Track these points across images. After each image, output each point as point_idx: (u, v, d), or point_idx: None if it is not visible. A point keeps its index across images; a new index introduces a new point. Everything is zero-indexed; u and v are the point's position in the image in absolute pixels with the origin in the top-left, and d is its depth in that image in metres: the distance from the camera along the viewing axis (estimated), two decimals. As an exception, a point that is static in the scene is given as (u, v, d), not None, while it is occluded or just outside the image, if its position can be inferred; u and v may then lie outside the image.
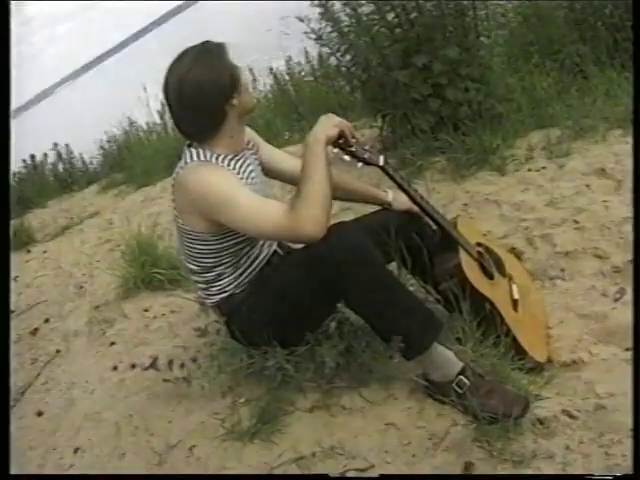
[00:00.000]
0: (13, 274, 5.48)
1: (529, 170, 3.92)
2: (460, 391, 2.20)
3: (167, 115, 9.50)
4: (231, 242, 2.40)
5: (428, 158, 4.46)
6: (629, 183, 3.29)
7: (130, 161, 8.94)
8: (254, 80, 8.51)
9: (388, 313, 2.21)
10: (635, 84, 2.05)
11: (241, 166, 2.45)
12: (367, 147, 2.33)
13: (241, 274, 2.48)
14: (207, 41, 2.36)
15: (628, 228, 2.97)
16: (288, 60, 8.47)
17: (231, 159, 2.41)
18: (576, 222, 3.20)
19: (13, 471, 2.00)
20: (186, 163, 2.35)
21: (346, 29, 4.75)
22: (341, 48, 4.87)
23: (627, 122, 3.88)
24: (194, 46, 2.35)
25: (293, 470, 2.17)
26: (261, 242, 2.51)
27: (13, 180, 10.62)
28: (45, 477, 1.97)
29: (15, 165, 10.80)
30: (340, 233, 2.19)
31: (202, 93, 2.27)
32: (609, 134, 3.92)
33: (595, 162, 3.67)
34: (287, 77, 8.39)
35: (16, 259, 6.11)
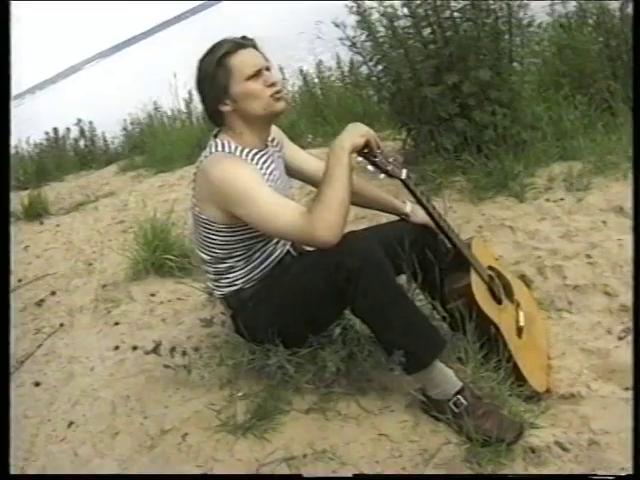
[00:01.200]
0: (24, 244, 5.53)
1: (547, 200, 3.92)
2: (456, 410, 2.22)
3: (193, 104, 9.55)
4: (245, 236, 2.42)
5: (448, 177, 4.47)
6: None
7: (151, 145, 8.97)
8: (283, 79, 8.53)
9: (393, 325, 2.22)
10: (635, 83, 2.05)
11: (265, 162, 2.47)
12: (391, 159, 2.34)
13: (252, 269, 2.49)
14: (234, 38, 2.40)
15: None
16: (319, 64, 8.47)
17: (255, 153, 2.44)
18: (588, 257, 3.21)
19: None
20: (211, 153, 2.38)
21: (381, 39, 4.76)
22: (374, 58, 4.88)
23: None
24: (224, 39, 2.39)
25: (282, 469, 2.19)
26: (275, 240, 2.52)
27: (34, 151, 10.69)
28: (45, 477, 1.99)
29: (37, 136, 10.87)
30: (354, 241, 2.21)
31: (200, 90, 2.42)
32: (630, 173, 3.92)
33: (614, 199, 3.67)
34: (316, 80, 8.40)
35: (28, 229, 6.15)
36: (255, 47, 2.41)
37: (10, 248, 2.11)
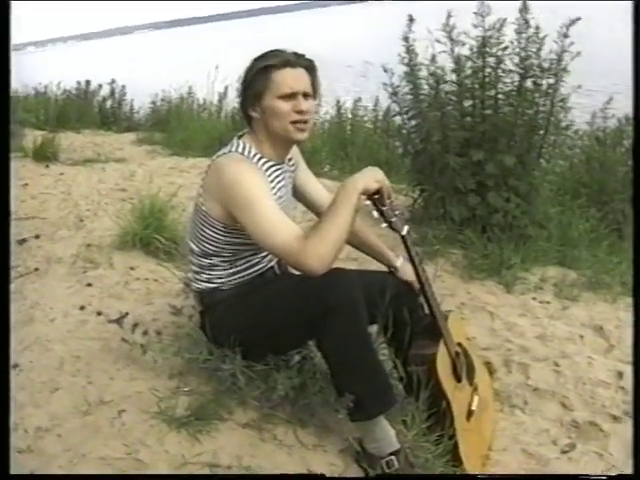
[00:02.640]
0: (24, 181, 5.54)
1: (534, 299, 3.95)
2: (386, 470, 2.23)
3: (225, 101, 9.62)
4: (237, 240, 2.44)
5: (447, 247, 4.50)
6: (618, 351, 3.34)
7: (174, 126, 9.03)
8: (318, 104, 8.57)
9: (350, 369, 2.24)
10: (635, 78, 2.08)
11: (277, 177, 2.50)
12: (397, 212, 2.37)
13: (233, 274, 2.52)
14: (289, 53, 2.42)
15: (601, 392, 3.01)
16: (357, 100, 8.55)
17: (271, 166, 2.47)
18: (556, 365, 3.23)
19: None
20: (230, 151, 2.41)
21: (422, 97, 4.83)
22: (410, 111, 4.94)
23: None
24: (280, 50, 2.43)
25: (204, 472, 2.19)
26: (264, 253, 2.55)
27: (60, 96, 10.74)
28: (45, 477, 2.01)
29: (69, 84, 10.92)
30: (338, 278, 2.23)
31: (241, 87, 2.46)
32: (621, 299, 3.96)
33: (597, 318, 3.70)
34: (349, 115, 8.46)
35: (33, 168, 6.18)
36: (308, 69, 2.44)
37: (10, 245, 2.13)
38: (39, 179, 5.88)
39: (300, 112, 2.38)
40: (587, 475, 1.89)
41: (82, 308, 3.30)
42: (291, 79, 2.37)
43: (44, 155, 6.78)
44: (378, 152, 7.20)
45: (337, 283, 2.22)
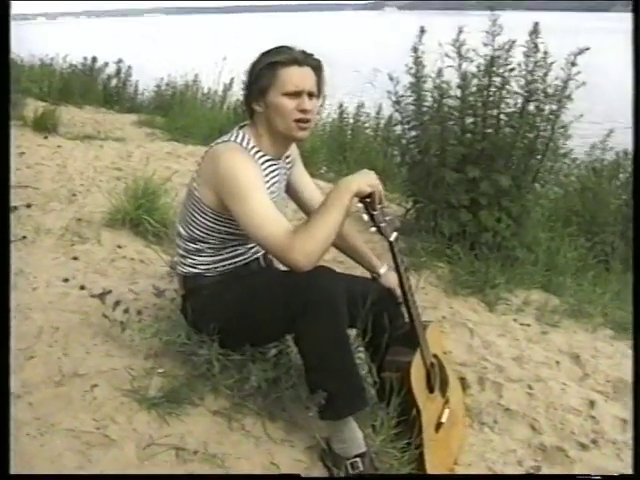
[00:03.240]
0: (21, 150, 5.54)
1: (514, 320, 3.98)
2: (350, 471, 2.24)
3: (230, 92, 9.64)
4: (225, 228, 2.45)
5: (434, 260, 4.53)
6: (592, 380, 3.37)
7: (176, 112, 9.04)
8: (321, 106, 8.58)
9: (325, 367, 2.25)
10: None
11: (272, 172, 2.51)
12: (387, 218, 2.38)
13: (218, 261, 2.53)
14: (298, 51, 2.42)
15: (571, 418, 3.03)
16: (360, 106, 8.57)
17: (267, 160, 2.48)
18: (530, 387, 3.24)
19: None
20: (229, 140, 2.43)
21: (424, 109, 4.85)
22: (411, 122, 4.97)
23: (621, 328, 3.96)
24: (288, 47, 2.44)
25: (169, 455, 2.20)
26: (251, 245, 2.56)
27: (66, 70, 10.73)
28: (45, 477, 2.01)
29: (75, 59, 10.91)
30: (322, 276, 2.25)
31: (246, 80, 2.47)
32: (600, 329, 3.99)
33: (575, 346, 3.72)
34: (351, 120, 8.48)
35: (31, 138, 6.17)
36: (315, 69, 2.44)
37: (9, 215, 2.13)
38: (36, 149, 5.88)
39: (303, 111, 2.39)
40: (587, 475, 1.90)
41: (66, 280, 3.30)
42: (297, 77, 2.38)
43: (44, 126, 6.78)
44: (376, 159, 7.23)
45: (320, 280, 2.23)
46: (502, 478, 1.97)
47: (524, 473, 2.69)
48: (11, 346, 1.99)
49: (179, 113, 8.98)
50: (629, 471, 2.21)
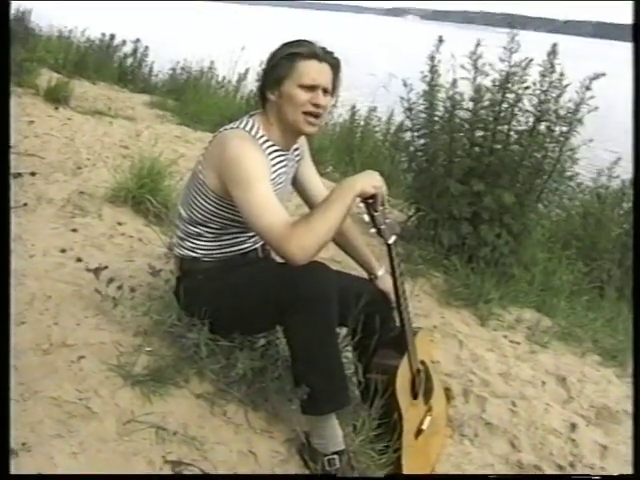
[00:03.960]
0: (31, 118, 5.54)
1: (505, 337, 3.98)
2: (327, 468, 2.25)
3: (244, 82, 9.64)
4: (227, 214, 2.46)
5: (430, 268, 4.54)
6: (576, 404, 3.37)
7: (188, 97, 9.04)
8: (334, 105, 8.59)
9: (311, 361, 2.26)
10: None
11: (279, 163, 2.51)
12: (388, 221, 2.38)
13: (216, 247, 2.54)
14: (318, 47, 2.43)
15: (552, 439, 3.03)
16: (372, 109, 8.56)
17: (275, 151, 2.49)
18: (514, 404, 3.24)
19: None
20: (238, 127, 2.43)
21: (436, 118, 4.86)
22: (421, 130, 4.98)
23: (609, 355, 3.97)
24: (309, 42, 2.44)
25: (149, 433, 2.21)
26: (251, 234, 2.56)
27: (83, 44, 10.74)
28: (45, 477, 2.02)
29: (93, 34, 10.92)
30: (317, 272, 2.26)
31: (264, 68, 2.49)
32: (589, 355, 3.99)
33: (563, 368, 3.72)
34: (362, 123, 8.48)
35: (41, 107, 6.18)
36: (333, 66, 2.46)
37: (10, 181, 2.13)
38: (46, 119, 5.88)
39: (316, 105, 2.40)
40: (587, 475, 1.90)
41: (63, 251, 3.31)
42: (315, 71, 2.39)
43: (55, 97, 6.79)
44: (383, 164, 7.21)
45: (313, 275, 2.24)
46: (502, 478, 1.97)
47: (524, 473, 2.70)
48: (10, 314, 1.98)
49: (191, 98, 8.99)
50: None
